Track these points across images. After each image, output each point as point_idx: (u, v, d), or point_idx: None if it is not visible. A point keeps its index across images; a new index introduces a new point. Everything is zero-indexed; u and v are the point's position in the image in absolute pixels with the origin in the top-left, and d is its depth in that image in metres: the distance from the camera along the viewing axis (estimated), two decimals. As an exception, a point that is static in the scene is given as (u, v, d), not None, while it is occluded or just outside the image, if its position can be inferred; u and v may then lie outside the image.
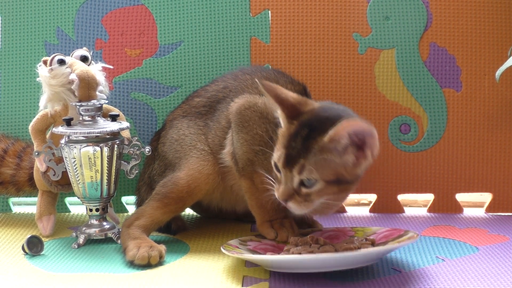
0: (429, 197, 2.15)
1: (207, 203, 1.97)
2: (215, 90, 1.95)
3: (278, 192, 1.69)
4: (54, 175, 1.92)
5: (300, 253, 1.69)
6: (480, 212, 2.14)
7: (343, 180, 1.67)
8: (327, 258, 1.62)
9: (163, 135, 1.96)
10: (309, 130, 1.65)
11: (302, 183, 1.66)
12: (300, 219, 1.92)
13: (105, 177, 1.88)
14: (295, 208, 1.68)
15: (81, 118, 1.90)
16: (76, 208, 2.15)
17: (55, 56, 1.92)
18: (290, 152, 1.66)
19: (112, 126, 1.89)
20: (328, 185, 1.66)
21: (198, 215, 2.11)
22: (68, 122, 1.88)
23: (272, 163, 1.70)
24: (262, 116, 1.81)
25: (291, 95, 1.71)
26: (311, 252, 1.69)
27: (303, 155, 1.64)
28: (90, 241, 1.91)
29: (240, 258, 1.72)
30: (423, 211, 2.16)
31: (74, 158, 1.87)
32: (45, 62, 1.94)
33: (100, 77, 1.95)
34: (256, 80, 1.75)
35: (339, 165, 1.65)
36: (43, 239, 1.88)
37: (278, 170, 1.69)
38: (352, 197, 2.25)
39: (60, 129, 1.88)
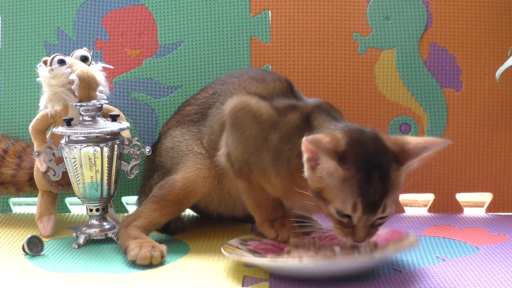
0: (429, 197, 2.15)
1: (205, 206, 1.97)
2: (205, 97, 1.95)
3: (354, 237, 1.64)
4: (54, 175, 1.92)
5: (301, 257, 1.68)
6: (481, 212, 2.14)
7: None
8: (329, 265, 1.62)
9: (159, 147, 1.96)
10: (380, 171, 1.61)
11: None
12: (301, 218, 1.92)
13: (105, 177, 1.88)
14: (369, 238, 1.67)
15: (81, 118, 1.90)
16: (76, 208, 2.15)
17: (55, 56, 1.92)
18: (369, 198, 1.61)
19: (112, 126, 1.89)
20: (397, 203, 1.67)
21: (198, 215, 2.11)
22: (68, 122, 1.88)
23: (333, 211, 1.64)
24: (255, 117, 1.80)
25: (326, 141, 1.62)
26: (312, 256, 1.67)
27: (384, 196, 1.61)
28: (90, 241, 1.91)
29: (240, 260, 1.71)
30: (423, 211, 2.16)
31: (74, 158, 1.87)
32: (45, 62, 1.94)
33: (100, 77, 1.95)
34: (304, 140, 1.63)
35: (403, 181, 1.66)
36: (43, 239, 1.88)
37: (345, 216, 1.64)
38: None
39: (60, 129, 1.88)
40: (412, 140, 1.65)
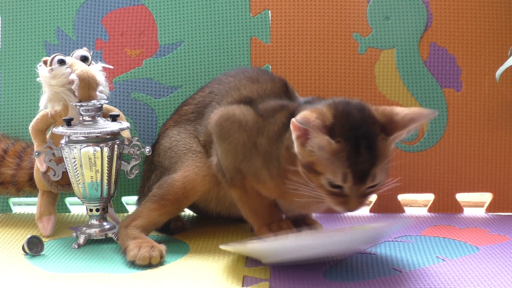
0: (429, 197, 2.15)
1: (204, 205, 1.97)
2: (202, 96, 1.96)
3: (346, 206, 1.66)
4: (54, 175, 1.92)
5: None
6: (481, 212, 2.14)
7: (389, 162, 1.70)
8: (326, 238, 1.63)
9: (157, 147, 1.97)
10: (366, 141, 1.63)
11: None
12: (300, 220, 1.92)
13: (105, 177, 1.88)
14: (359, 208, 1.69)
15: (81, 118, 1.90)
16: (76, 208, 2.15)
17: (55, 56, 1.92)
18: (358, 168, 1.63)
19: (112, 126, 1.89)
20: (388, 173, 1.68)
21: (197, 215, 2.11)
22: (68, 122, 1.88)
23: (325, 182, 1.66)
24: (241, 125, 1.81)
25: (314, 117, 1.64)
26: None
27: (373, 165, 1.64)
28: (90, 241, 1.91)
29: (238, 251, 1.70)
30: (423, 211, 2.16)
31: (74, 158, 1.87)
32: (45, 62, 1.94)
33: (100, 77, 1.95)
34: (293, 120, 1.65)
35: (391, 153, 1.68)
36: (43, 239, 1.88)
37: (336, 187, 1.66)
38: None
39: (60, 129, 1.88)
40: (400, 111, 1.67)
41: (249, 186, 1.82)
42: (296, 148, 1.68)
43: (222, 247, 1.72)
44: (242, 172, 1.81)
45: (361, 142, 1.63)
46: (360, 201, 1.67)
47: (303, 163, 1.68)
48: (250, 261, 1.76)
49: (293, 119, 1.64)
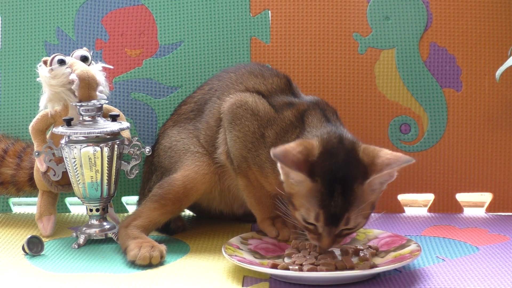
0: (429, 197, 2.15)
1: (207, 205, 1.97)
2: (201, 94, 1.96)
3: (319, 243, 1.65)
4: (54, 175, 1.92)
5: (301, 264, 1.67)
6: (481, 212, 2.14)
7: (375, 205, 1.67)
8: (330, 277, 1.63)
9: (156, 148, 1.97)
10: (342, 185, 1.60)
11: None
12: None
13: (105, 177, 1.88)
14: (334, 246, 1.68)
15: (81, 118, 1.90)
16: (76, 208, 2.15)
17: (55, 56, 1.92)
18: (330, 211, 1.61)
19: (112, 126, 1.89)
20: (367, 218, 1.66)
21: (198, 215, 2.11)
22: (68, 122, 1.88)
23: (300, 218, 1.65)
24: (253, 113, 1.82)
25: (296, 151, 1.62)
26: (313, 264, 1.67)
27: (346, 210, 1.61)
28: (90, 241, 1.91)
29: (240, 266, 1.70)
30: (423, 211, 2.16)
31: (74, 158, 1.87)
32: (45, 62, 1.94)
33: (100, 77, 1.95)
34: (271, 152, 1.62)
35: (374, 197, 1.65)
36: (43, 239, 1.88)
37: (311, 224, 1.64)
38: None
39: (60, 129, 1.88)
40: (383, 154, 1.63)
41: (253, 177, 1.82)
42: (281, 176, 1.66)
43: (224, 253, 1.71)
44: (248, 161, 1.81)
45: (337, 186, 1.60)
46: (334, 240, 1.64)
47: (286, 192, 1.67)
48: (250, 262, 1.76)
49: (271, 151, 1.61)
